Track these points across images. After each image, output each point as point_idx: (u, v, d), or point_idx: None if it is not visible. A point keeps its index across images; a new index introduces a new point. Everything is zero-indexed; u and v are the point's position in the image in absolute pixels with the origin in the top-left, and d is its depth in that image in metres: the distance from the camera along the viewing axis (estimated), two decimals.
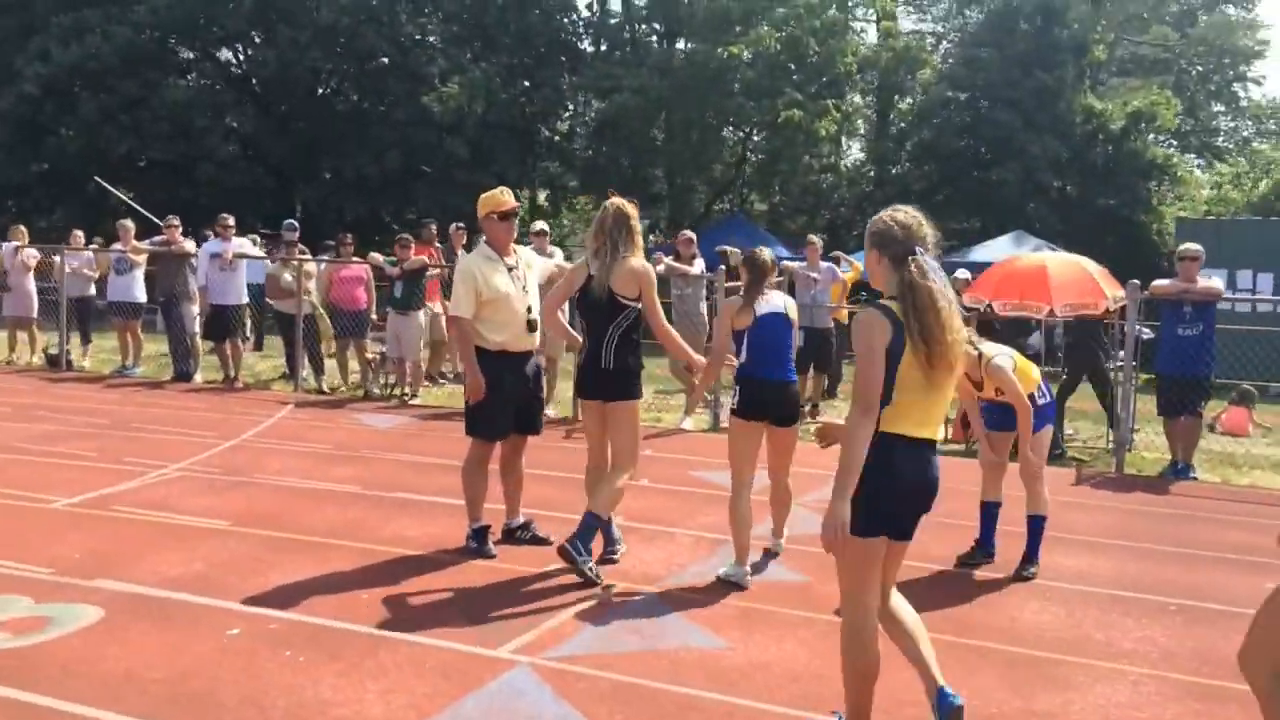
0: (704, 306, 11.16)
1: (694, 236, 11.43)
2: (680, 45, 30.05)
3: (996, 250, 20.73)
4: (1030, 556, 6.03)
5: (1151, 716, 4.21)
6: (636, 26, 31.67)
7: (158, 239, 13.45)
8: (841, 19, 28.20)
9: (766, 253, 5.88)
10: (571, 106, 32.85)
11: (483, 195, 6.15)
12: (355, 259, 12.95)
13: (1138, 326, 9.70)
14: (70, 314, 14.17)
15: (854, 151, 32.41)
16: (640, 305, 5.71)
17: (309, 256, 13.27)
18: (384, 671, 4.36)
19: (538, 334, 6.17)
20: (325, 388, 12.71)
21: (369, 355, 12.64)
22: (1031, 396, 5.89)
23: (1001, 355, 5.89)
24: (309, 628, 4.83)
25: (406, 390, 12.35)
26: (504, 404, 6.01)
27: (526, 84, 29.69)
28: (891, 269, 3.58)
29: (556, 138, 32.48)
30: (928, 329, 3.46)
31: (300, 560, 5.83)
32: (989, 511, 6.25)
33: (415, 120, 26.42)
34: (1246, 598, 5.67)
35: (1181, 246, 9.33)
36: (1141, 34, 36.22)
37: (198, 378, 13.11)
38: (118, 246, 13.66)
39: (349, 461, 8.52)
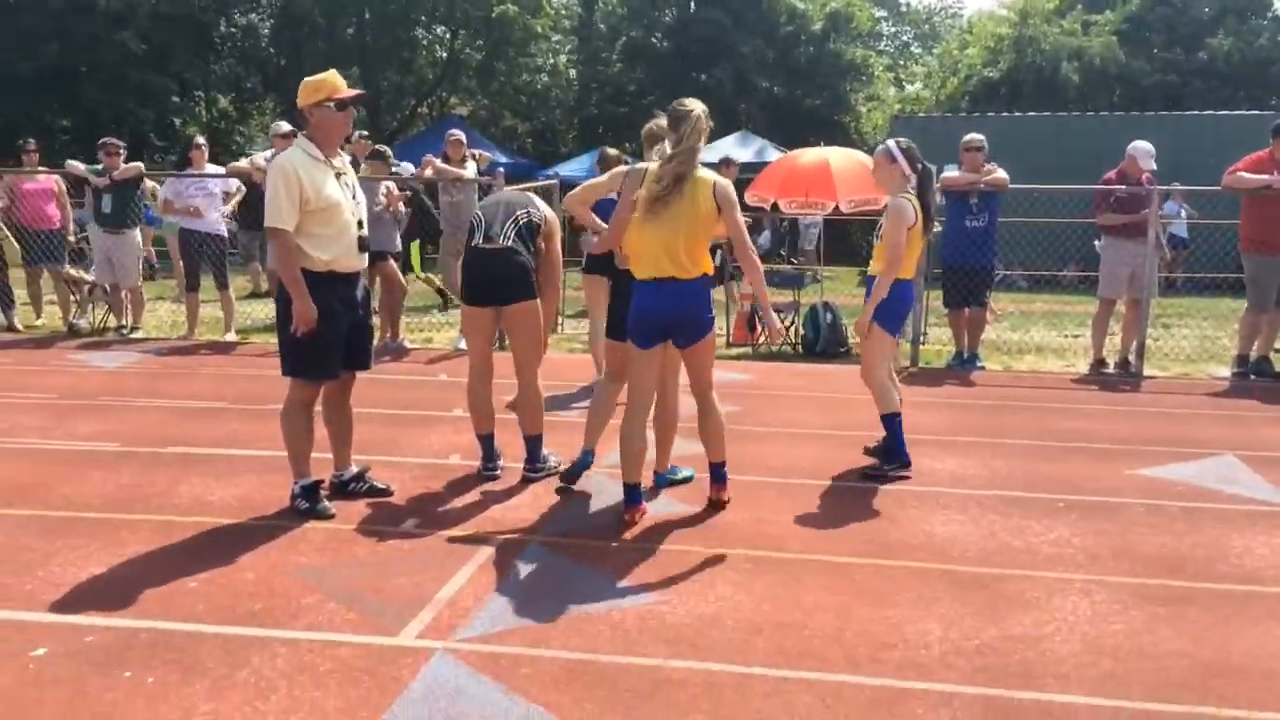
0: None
1: (463, 136, 10.33)
2: None
3: (722, 150, 20.75)
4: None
5: (1126, 628, 3.98)
6: None
7: None
8: None
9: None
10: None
11: (310, 78, 4.96)
12: (43, 169, 10.88)
13: None
14: None
15: (563, 52, 31.42)
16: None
17: None
18: (269, 685, 3.37)
19: (367, 253, 5.12)
20: (18, 324, 10.68)
21: (80, 281, 10.73)
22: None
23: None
24: (142, 635, 3.70)
25: (125, 323, 10.61)
26: (334, 336, 4.97)
27: None
28: None
29: (235, 31, 29.41)
30: None
31: (86, 544, 4.58)
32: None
33: (76, 8, 22.91)
34: (1116, 487, 5.72)
35: (965, 137, 9.36)
36: None
37: None
38: None
39: (92, 413, 7.05)
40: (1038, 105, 23.41)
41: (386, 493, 5.35)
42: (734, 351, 10.15)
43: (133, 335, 10.41)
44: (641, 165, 5.11)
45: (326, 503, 5.08)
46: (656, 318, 4.84)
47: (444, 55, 29.70)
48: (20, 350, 9.47)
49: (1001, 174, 9.15)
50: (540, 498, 5.40)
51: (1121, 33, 26.37)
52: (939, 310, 10.12)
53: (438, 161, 9.85)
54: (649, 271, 4.83)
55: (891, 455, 5.93)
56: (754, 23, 27.28)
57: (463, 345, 9.93)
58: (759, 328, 10.49)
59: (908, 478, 5.85)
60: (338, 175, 4.97)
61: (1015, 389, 8.57)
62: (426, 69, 30.72)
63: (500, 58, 26.13)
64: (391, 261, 9.87)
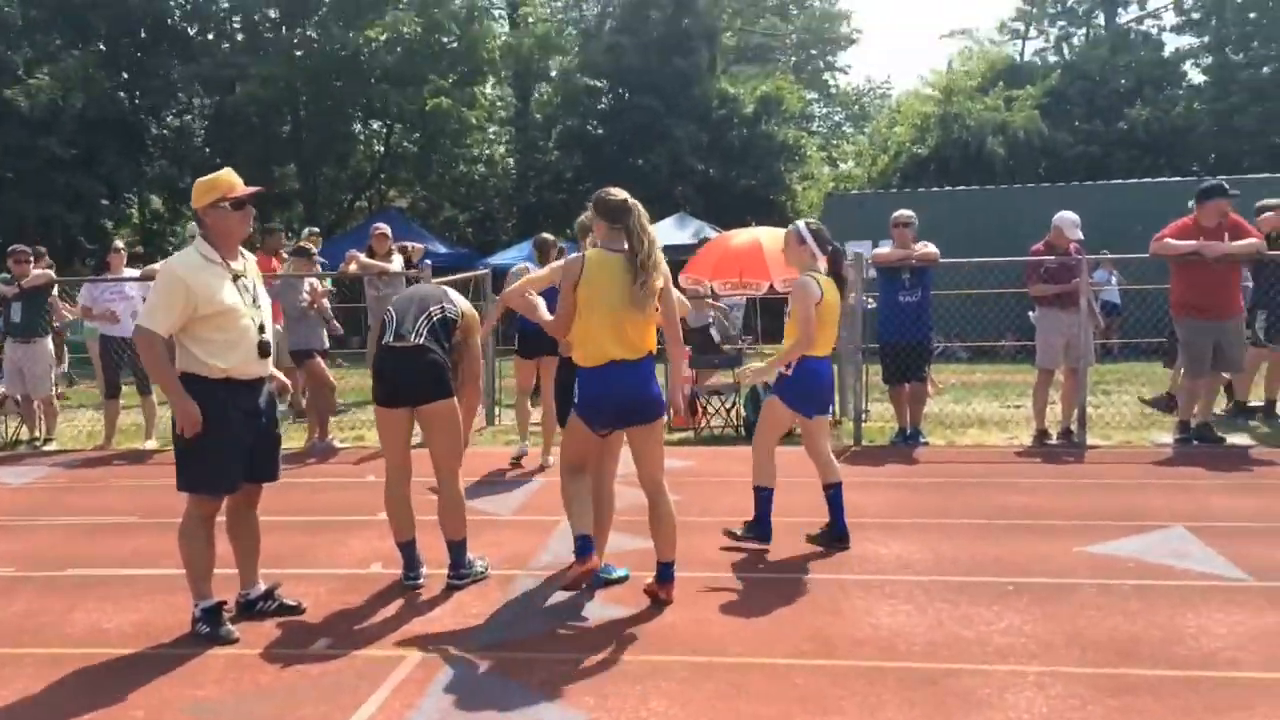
0: None
1: (389, 230, 10.11)
2: (308, 32, 27.85)
3: (664, 233, 20.82)
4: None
5: None
6: (250, 14, 29.05)
7: None
8: (481, 4, 27.31)
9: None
10: (185, 98, 29.66)
11: (203, 179, 4.73)
12: None
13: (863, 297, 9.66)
14: None
15: (500, 142, 31.58)
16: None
17: None
18: None
19: (270, 359, 4.84)
20: None
21: None
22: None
23: None
24: None
25: (39, 434, 10.15)
26: (232, 446, 4.66)
27: (128, 75, 26.36)
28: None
29: (167, 133, 29.19)
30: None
31: None
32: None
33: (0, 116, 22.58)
34: (1067, 566, 5.51)
35: (895, 213, 9.33)
36: (754, 23, 38.31)
37: None
38: None
39: None
40: (966, 180, 23.81)
41: (297, 610, 4.99)
42: (675, 436, 9.91)
43: (46, 447, 9.95)
44: (577, 255, 5.03)
45: (230, 626, 4.71)
46: (617, 399, 4.85)
47: (380, 149, 29.68)
48: None
49: (932, 249, 9.11)
50: (465, 606, 5.07)
51: (1043, 106, 27.05)
52: (880, 386, 9.98)
53: (361, 256, 9.63)
54: (604, 355, 4.82)
55: (755, 527, 5.94)
56: (687, 108, 27.62)
57: None
58: (699, 410, 10.29)
59: (764, 551, 5.87)
60: (235, 278, 4.70)
61: (959, 464, 8.40)
62: (364, 163, 30.67)
63: (436, 150, 26.15)
64: (318, 359, 9.58)
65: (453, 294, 5.51)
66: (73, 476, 8.54)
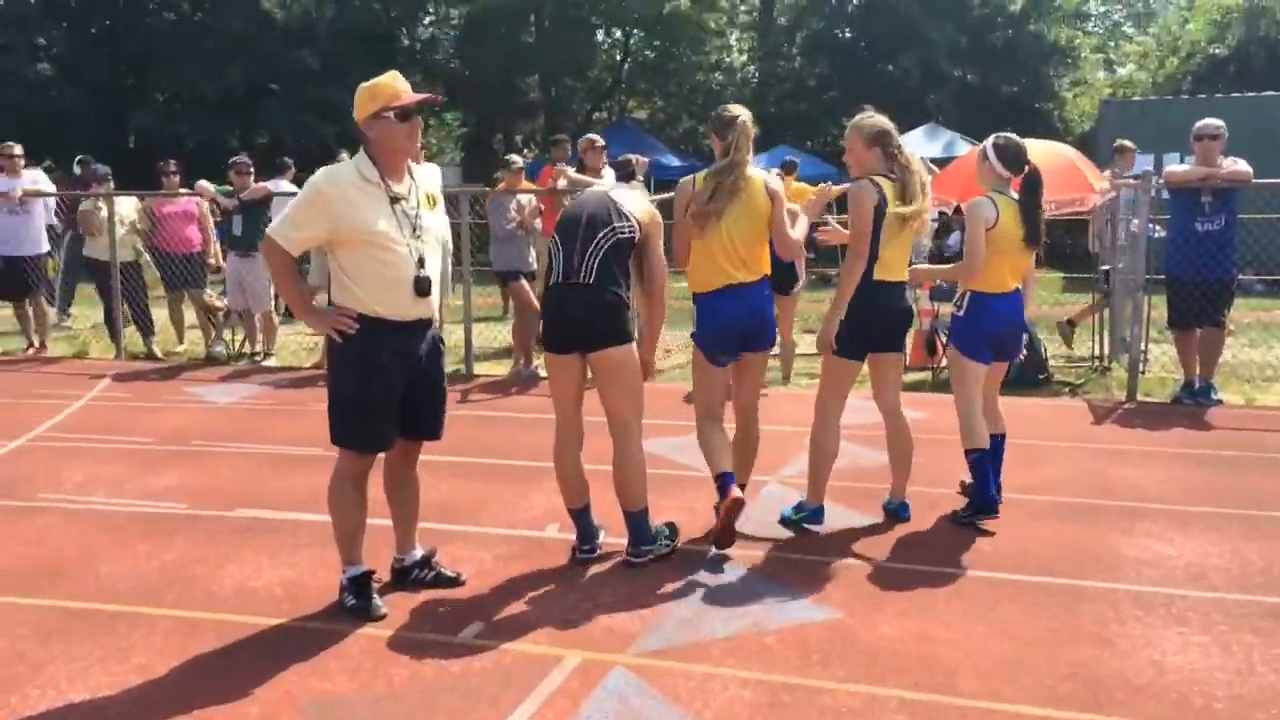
0: None
1: (603, 142, 9.34)
2: None
3: (912, 145, 19.18)
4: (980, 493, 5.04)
5: None
6: None
7: None
8: None
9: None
10: (432, 9, 29.95)
11: (364, 85, 4.03)
12: (183, 191, 10.57)
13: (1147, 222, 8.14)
14: None
15: (741, 50, 30.23)
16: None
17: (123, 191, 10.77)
18: None
19: (434, 297, 4.15)
20: (157, 351, 10.38)
21: (215, 308, 10.35)
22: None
23: None
24: None
25: (258, 349, 10.15)
26: (385, 397, 4.03)
27: None
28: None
29: (418, 45, 29.59)
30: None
31: (86, 653, 3.79)
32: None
33: (257, 30, 23.35)
34: None
35: (1199, 123, 7.71)
36: None
37: None
38: None
39: (176, 461, 6.40)
40: (1273, 83, 20.67)
41: (456, 582, 4.38)
42: (910, 378, 8.79)
43: (265, 362, 9.92)
44: (688, 178, 4.82)
45: (377, 600, 4.14)
46: (732, 325, 4.71)
47: (620, 58, 29.00)
48: (145, 381, 9.08)
49: (1243, 166, 7.48)
50: (641, 591, 4.30)
51: None
52: (1162, 327, 8.47)
53: (570, 171, 8.92)
54: (715, 281, 4.71)
55: (974, 499, 5.08)
56: (944, 7, 25.38)
57: None
58: (940, 348, 9.09)
59: (989, 533, 4.90)
60: (394, 201, 4.02)
61: (1266, 434, 6.91)
62: (604, 72, 30.14)
63: (672, 58, 25.17)
64: (523, 281, 9.02)
65: (624, 202, 4.60)
66: (278, 398, 8.38)
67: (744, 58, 30.04)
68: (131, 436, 6.99)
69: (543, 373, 9.02)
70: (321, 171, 4.07)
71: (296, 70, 23.39)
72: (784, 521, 5.13)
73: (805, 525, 5.05)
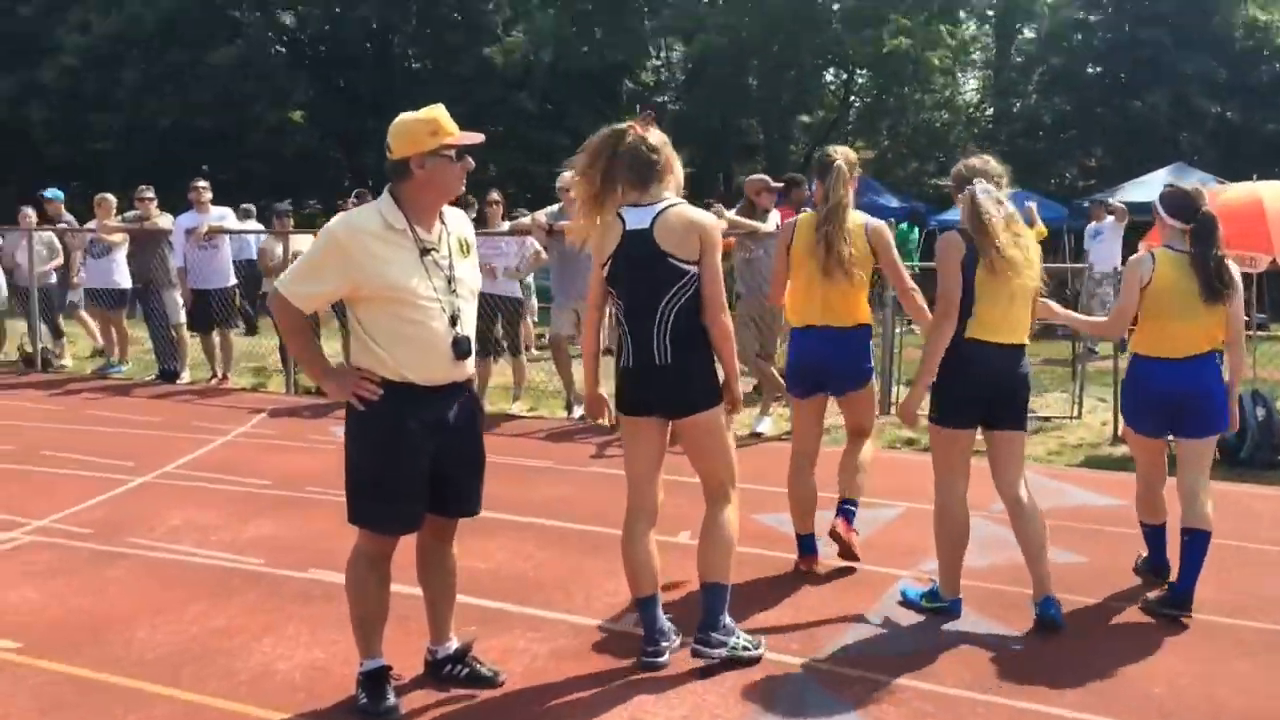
0: None
1: (770, 182, 8.56)
2: None
3: (1154, 188, 17.39)
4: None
5: None
6: None
7: (130, 214, 11.27)
8: None
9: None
10: (655, 53, 30.05)
11: (413, 116, 3.48)
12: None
13: None
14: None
15: (970, 85, 28.77)
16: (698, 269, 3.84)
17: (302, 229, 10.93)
18: None
19: (471, 360, 3.59)
20: None
21: None
22: None
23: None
24: None
25: None
26: (410, 471, 3.49)
27: (599, 31, 26.93)
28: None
29: (643, 89, 29.72)
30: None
31: None
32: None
33: (478, 75, 24.00)
34: None
35: None
36: None
37: (185, 376, 10.96)
38: (91, 225, 11.54)
39: (279, 508, 6.13)
40: None
41: (492, 683, 3.78)
42: (1112, 451, 7.58)
43: None
44: (794, 219, 5.05)
45: (392, 699, 3.59)
46: (812, 364, 4.85)
47: (838, 96, 28.14)
48: (299, 418, 8.98)
49: None
50: (705, 709, 3.55)
51: None
52: None
53: (729, 213, 8.22)
54: (804, 319, 4.87)
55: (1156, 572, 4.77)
56: (1202, 40, 23.19)
57: (762, 427, 8.25)
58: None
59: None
60: (425, 252, 3.48)
61: None
62: (828, 113, 29.34)
63: (892, 95, 24.09)
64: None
65: (678, 224, 3.82)
66: None
67: (975, 96, 28.52)
68: (250, 478, 6.80)
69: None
70: (339, 218, 3.60)
71: (514, 113, 23.85)
72: (907, 602, 4.47)
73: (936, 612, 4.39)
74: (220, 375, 10.77)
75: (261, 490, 6.53)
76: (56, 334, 12.23)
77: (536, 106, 24.01)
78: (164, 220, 10.85)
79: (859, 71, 26.99)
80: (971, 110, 29.59)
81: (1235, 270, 4.42)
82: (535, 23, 23.85)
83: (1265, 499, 6.36)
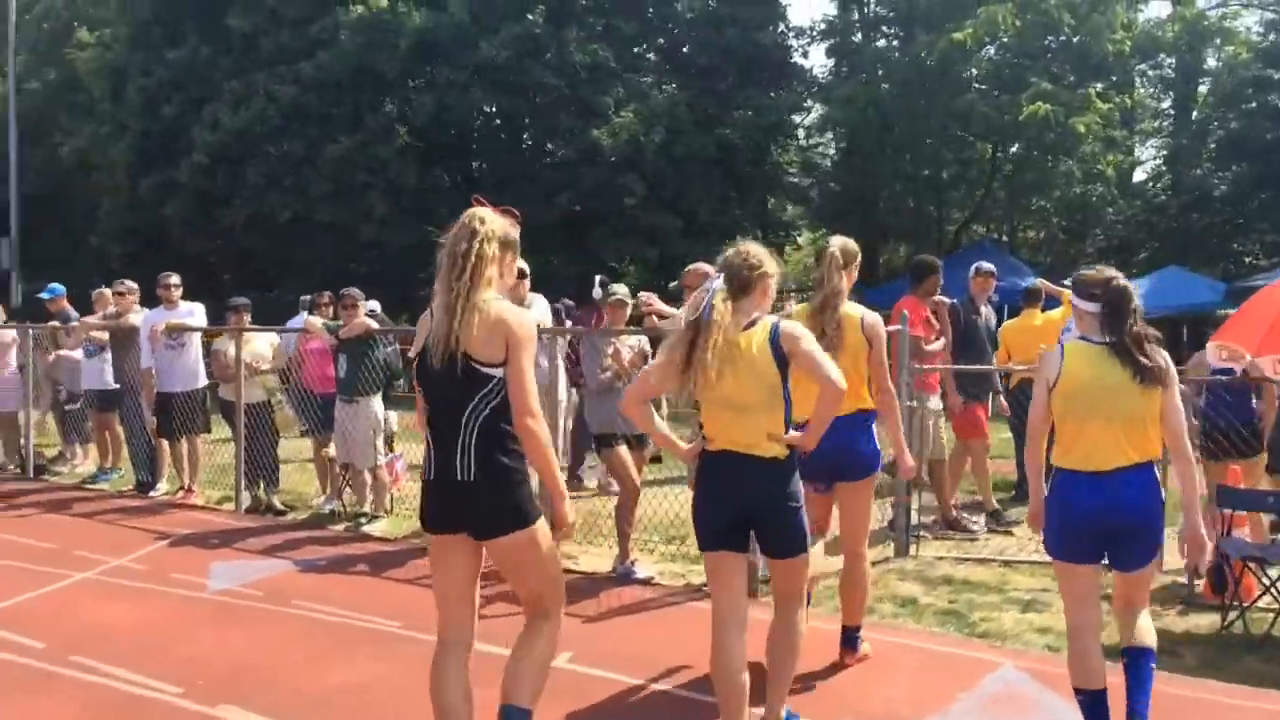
0: None
1: (710, 270, 6.98)
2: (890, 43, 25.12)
3: None
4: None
5: None
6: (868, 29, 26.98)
7: (110, 311, 10.61)
8: None
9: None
10: (800, 131, 28.54)
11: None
12: (293, 328, 9.56)
13: None
14: (55, 407, 11.74)
15: (1149, 154, 25.97)
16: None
17: (257, 326, 9.95)
18: None
19: None
20: (276, 504, 9.26)
21: (333, 459, 9.11)
22: None
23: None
24: None
25: (365, 510, 8.72)
26: None
27: (711, 109, 25.62)
28: None
29: (786, 168, 28.24)
30: None
31: None
32: None
33: (585, 157, 23.12)
34: None
35: None
36: None
37: (161, 486, 10.10)
38: (74, 323, 10.96)
39: (36, 691, 4.90)
40: None
41: None
42: (1199, 621, 5.62)
43: (367, 526, 8.45)
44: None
45: None
46: (820, 457, 4.20)
47: (986, 170, 25.76)
48: (188, 551, 7.87)
49: None
50: None
51: None
52: None
53: (655, 301, 6.66)
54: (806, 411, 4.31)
55: None
56: None
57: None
58: (1231, 584, 5.83)
59: None
60: None
61: None
62: (972, 187, 27.05)
63: (1031, 167, 21.70)
64: (623, 448, 6.88)
65: (500, 326, 3.60)
66: (273, 588, 6.77)
67: (1153, 165, 25.67)
68: (33, 639, 5.62)
69: (641, 573, 6.87)
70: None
71: (620, 195, 22.82)
72: None
73: None
74: (185, 487, 9.83)
75: (35, 664, 5.32)
76: (84, 439, 11.68)
77: (642, 188, 22.85)
78: (135, 317, 10.11)
79: (1002, 142, 24.65)
80: (1147, 183, 26.76)
81: (1163, 356, 3.77)
82: (647, 103, 22.85)
83: None
